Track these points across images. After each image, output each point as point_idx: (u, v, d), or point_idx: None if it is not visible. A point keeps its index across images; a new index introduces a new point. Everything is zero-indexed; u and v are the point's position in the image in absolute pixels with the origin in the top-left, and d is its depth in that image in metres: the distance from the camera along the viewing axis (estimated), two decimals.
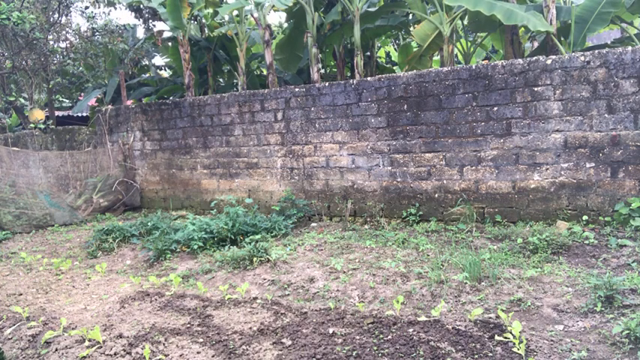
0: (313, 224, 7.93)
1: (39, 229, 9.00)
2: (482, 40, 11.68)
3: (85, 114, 16.38)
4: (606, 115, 6.15)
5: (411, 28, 11.64)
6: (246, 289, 5.17)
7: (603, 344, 3.56)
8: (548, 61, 6.41)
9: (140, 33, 14.74)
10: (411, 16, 11.06)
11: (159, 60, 17.07)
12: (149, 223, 7.89)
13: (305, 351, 3.74)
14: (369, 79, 7.71)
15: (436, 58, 13.29)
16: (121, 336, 4.27)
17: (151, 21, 13.50)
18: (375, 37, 11.78)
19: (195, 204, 9.82)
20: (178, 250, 6.85)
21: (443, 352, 3.56)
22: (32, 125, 11.05)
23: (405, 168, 7.52)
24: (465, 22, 10.54)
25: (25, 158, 9.35)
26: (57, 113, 15.33)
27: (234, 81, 13.89)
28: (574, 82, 6.28)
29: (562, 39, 8.43)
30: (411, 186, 7.51)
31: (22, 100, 14.78)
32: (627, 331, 3.50)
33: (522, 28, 9.76)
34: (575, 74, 6.26)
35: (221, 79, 14.46)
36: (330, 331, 4.06)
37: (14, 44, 10.58)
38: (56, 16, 11.68)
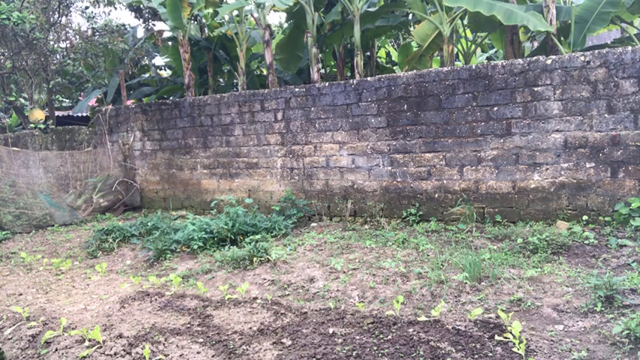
0: (313, 224, 7.93)
1: (39, 229, 9.00)
2: (482, 40, 11.68)
3: (85, 114, 16.37)
4: (606, 115, 6.15)
5: (411, 28, 11.65)
6: (246, 289, 5.17)
7: (603, 344, 3.56)
8: (548, 61, 6.41)
9: (140, 33, 14.74)
10: (411, 16, 11.06)
11: (159, 60, 17.08)
12: (149, 223, 7.89)
13: (305, 351, 3.74)
14: (369, 79, 7.71)
15: (437, 57, 13.30)
16: (121, 336, 4.27)
17: (151, 21, 13.50)
18: (375, 37, 11.77)
19: (195, 204, 9.82)
20: (178, 250, 6.85)
21: (443, 352, 3.56)
22: (32, 125, 11.05)
23: (405, 168, 7.52)
24: (465, 22, 10.54)
25: (25, 158, 9.34)
26: (57, 113, 15.31)
27: (234, 81, 13.89)
28: (574, 82, 6.28)
29: (562, 39, 8.43)
30: (411, 186, 7.51)
31: (22, 100, 14.78)
32: (627, 331, 3.50)
33: (522, 28, 9.76)
34: (575, 74, 6.26)
35: (221, 79, 14.46)
36: (330, 331, 4.06)
37: (14, 44, 10.57)
38: (56, 16, 11.68)
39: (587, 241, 5.70)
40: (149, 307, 4.96)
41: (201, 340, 4.09)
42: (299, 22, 10.72)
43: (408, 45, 12.45)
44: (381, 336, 3.89)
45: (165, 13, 10.15)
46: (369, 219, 7.83)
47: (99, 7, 12.91)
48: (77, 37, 12.22)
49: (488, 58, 14.66)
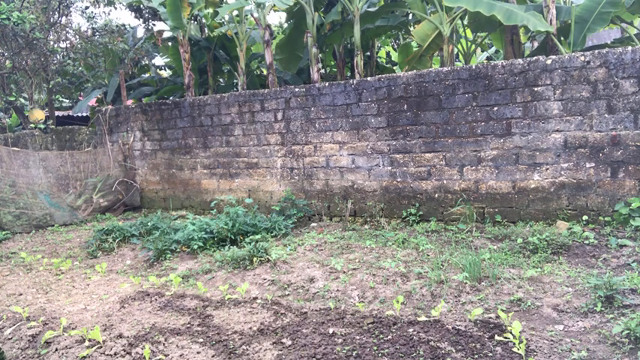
0: (313, 224, 7.93)
1: (39, 229, 9.00)
2: (482, 40, 11.68)
3: (85, 114, 16.39)
4: (606, 115, 6.15)
5: (411, 28, 11.64)
6: (246, 289, 5.17)
7: (603, 344, 3.56)
8: (548, 61, 6.41)
9: (140, 33, 14.75)
10: (411, 16, 11.06)
11: (159, 60, 17.08)
12: (149, 223, 7.89)
13: (305, 351, 3.74)
14: (369, 79, 7.71)
15: (437, 57, 13.29)
16: (121, 336, 4.27)
17: (151, 21, 13.50)
18: (375, 37, 11.78)
19: (195, 204, 9.82)
20: (178, 250, 6.85)
21: (443, 352, 3.56)
22: (32, 125, 11.06)
23: (405, 168, 7.52)
24: (465, 22, 10.54)
25: (25, 158, 9.34)
26: (57, 113, 15.33)
27: (234, 81, 13.89)
28: (574, 82, 6.28)
29: (562, 39, 8.43)
30: (411, 186, 7.51)
31: (22, 100, 14.79)
32: (627, 331, 3.50)
33: (522, 28, 9.75)
34: (575, 74, 6.26)
35: (221, 79, 14.46)
36: (330, 331, 4.06)
37: (14, 44, 10.57)
38: (56, 16, 11.67)
39: (587, 241, 5.70)
40: (149, 307, 4.96)
41: (201, 340, 4.10)
42: (299, 22, 10.72)
43: (408, 45, 12.45)
44: (381, 336, 3.89)
45: (165, 13, 10.15)
46: (369, 219, 7.83)
47: (99, 7, 12.91)
48: (77, 37, 12.22)
49: (488, 58, 14.67)
